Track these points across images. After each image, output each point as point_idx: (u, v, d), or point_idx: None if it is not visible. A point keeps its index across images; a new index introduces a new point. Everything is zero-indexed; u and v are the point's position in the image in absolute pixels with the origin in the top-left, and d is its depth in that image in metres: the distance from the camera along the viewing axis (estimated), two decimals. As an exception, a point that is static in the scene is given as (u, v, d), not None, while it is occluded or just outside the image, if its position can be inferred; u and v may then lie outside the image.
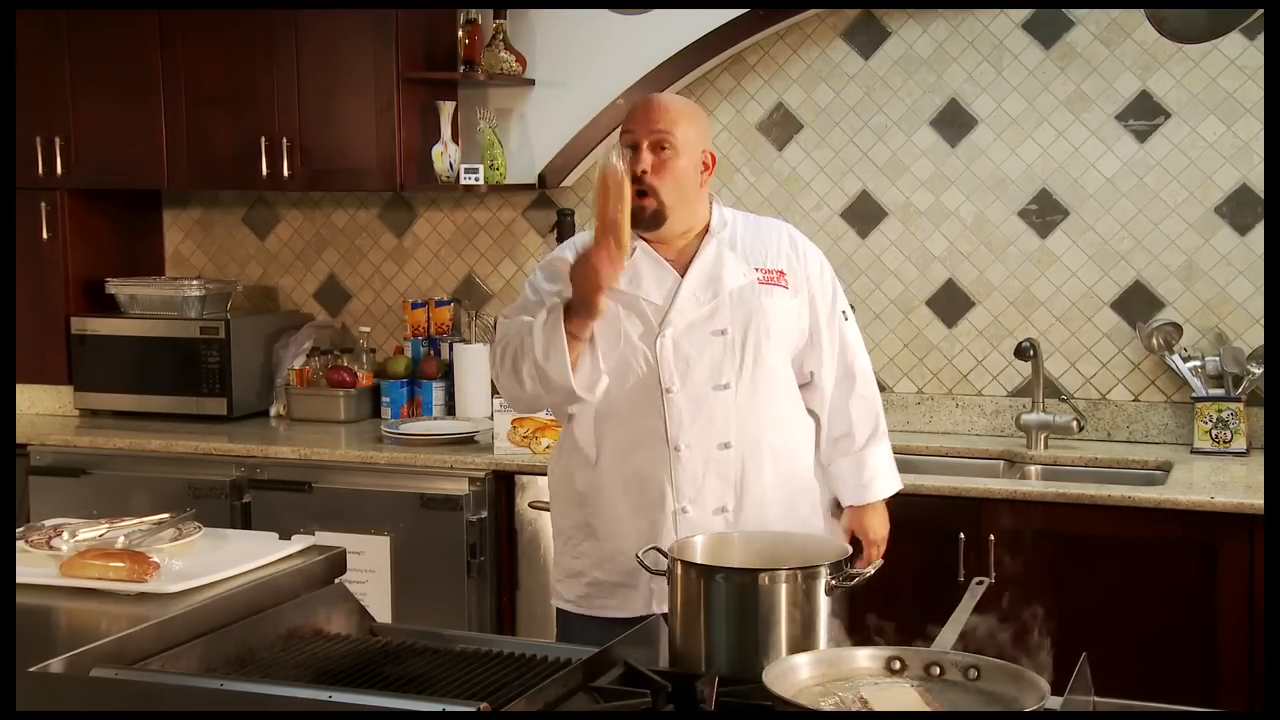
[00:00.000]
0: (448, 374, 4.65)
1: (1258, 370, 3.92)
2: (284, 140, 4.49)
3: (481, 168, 4.44)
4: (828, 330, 2.89)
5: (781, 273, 2.82)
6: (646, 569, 2.25)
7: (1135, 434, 4.12)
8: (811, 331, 2.88)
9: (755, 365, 2.77)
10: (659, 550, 2.21)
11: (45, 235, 4.74)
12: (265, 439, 4.37)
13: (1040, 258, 4.19)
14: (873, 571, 2.17)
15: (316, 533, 3.83)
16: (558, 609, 2.93)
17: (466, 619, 3.98)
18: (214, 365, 4.63)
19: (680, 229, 2.77)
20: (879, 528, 2.98)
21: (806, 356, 2.90)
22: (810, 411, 2.93)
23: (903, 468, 4.02)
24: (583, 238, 2.86)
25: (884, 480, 2.99)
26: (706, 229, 2.81)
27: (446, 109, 4.47)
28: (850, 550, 2.18)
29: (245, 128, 4.54)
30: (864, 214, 4.34)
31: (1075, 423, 4.01)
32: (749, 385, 2.76)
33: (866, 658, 1.91)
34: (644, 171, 2.68)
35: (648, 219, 2.70)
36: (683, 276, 2.77)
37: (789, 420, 2.86)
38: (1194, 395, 3.97)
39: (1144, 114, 4.07)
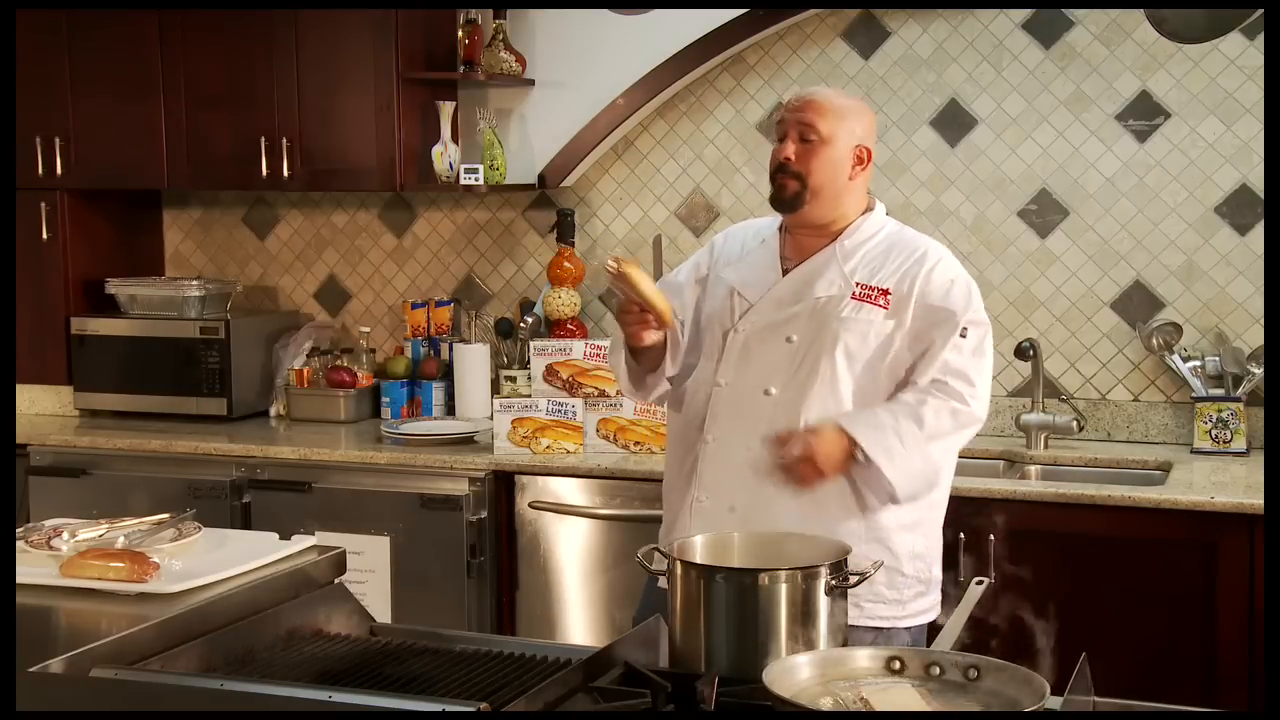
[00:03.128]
0: (448, 374, 4.65)
1: (1258, 370, 3.92)
2: (284, 140, 4.49)
3: (481, 168, 4.44)
4: (930, 349, 2.70)
5: (886, 291, 2.71)
6: (646, 569, 2.25)
7: (1135, 434, 4.12)
8: (915, 359, 2.72)
9: (810, 375, 2.71)
10: (659, 550, 2.21)
11: (45, 235, 4.73)
12: (265, 439, 4.37)
13: (1040, 258, 4.19)
14: (874, 572, 2.17)
15: (316, 533, 3.80)
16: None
17: (466, 619, 3.98)
18: (214, 365, 4.63)
19: (823, 217, 2.76)
20: (816, 443, 2.56)
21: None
22: None
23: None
24: (757, 225, 2.96)
25: (867, 428, 2.59)
26: (839, 233, 2.78)
27: (446, 109, 4.47)
28: (850, 549, 2.17)
29: (245, 128, 4.54)
30: (864, 214, 4.33)
31: (1075, 423, 4.01)
32: (795, 394, 2.71)
33: (866, 658, 1.91)
34: (787, 159, 2.74)
35: (788, 200, 2.75)
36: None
37: None
38: (1194, 395, 3.97)
39: (1144, 114, 4.07)
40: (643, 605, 2.90)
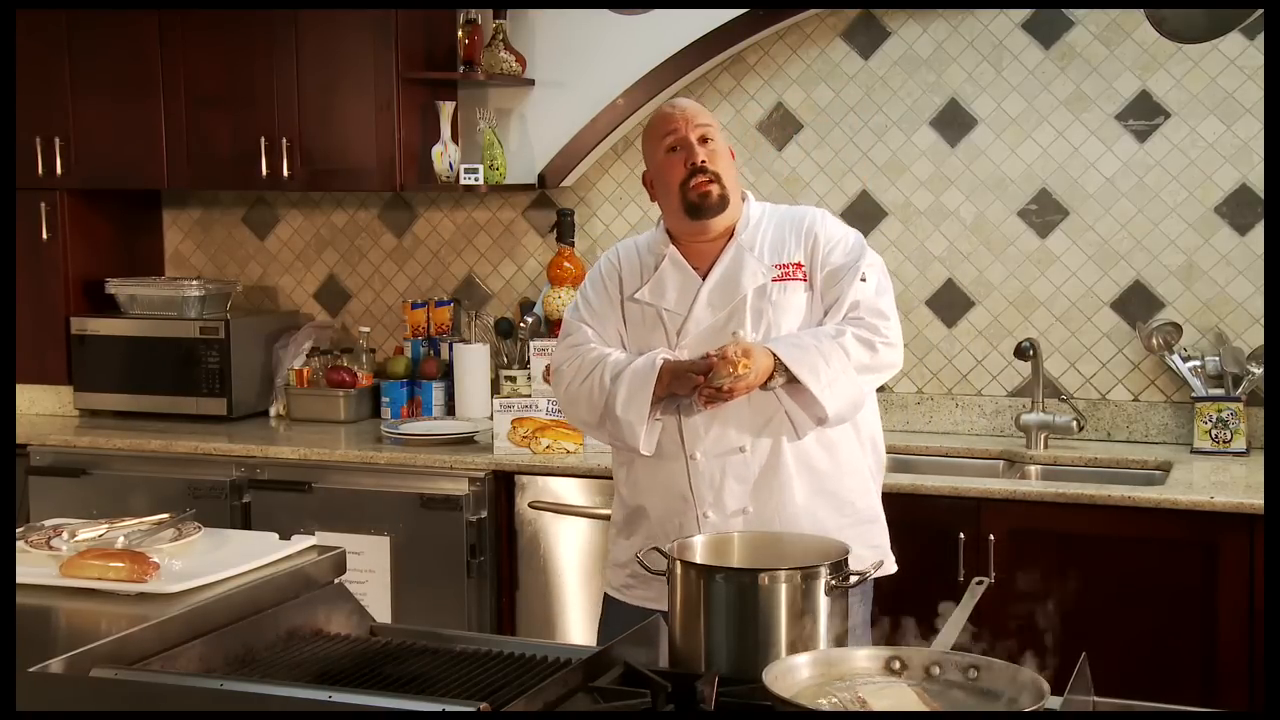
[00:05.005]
0: (447, 374, 4.65)
1: (1257, 370, 3.92)
2: (284, 140, 4.49)
3: (481, 168, 4.44)
4: (838, 300, 2.78)
5: (799, 265, 2.81)
6: (646, 569, 2.25)
7: (1135, 434, 4.12)
8: (823, 299, 2.81)
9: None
10: (659, 550, 2.21)
11: (45, 235, 4.74)
12: (265, 439, 4.37)
13: (1040, 258, 4.19)
14: (874, 573, 2.17)
15: (316, 533, 3.81)
16: (604, 593, 2.98)
17: (466, 619, 3.98)
18: (214, 365, 4.63)
19: (734, 216, 2.83)
20: (748, 355, 2.62)
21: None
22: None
23: (903, 467, 4.06)
24: (640, 243, 2.94)
25: (791, 348, 2.68)
26: (732, 231, 2.84)
27: (446, 109, 4.47)
28: (849, 549, 2.17)
29: (245, 128, 4.54)
30: (864, 214, 4.34)
31: (1075, 423, 4.01)
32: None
33: (866, 658, 1.91)
34: (703, 161, 2.78)
35: (715, 203, 2.79)
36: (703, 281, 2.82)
37: None
38: (1194, 395, 3.97)
39: (1144, 114, 4.07)
40: (604, 626, 2.92)
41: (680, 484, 2.78)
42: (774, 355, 2.67)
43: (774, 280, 2.79)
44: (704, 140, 2.80)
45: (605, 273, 2.92)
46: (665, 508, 2.82)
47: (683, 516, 2.79)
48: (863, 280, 2.78)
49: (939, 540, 3.59)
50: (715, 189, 2.77)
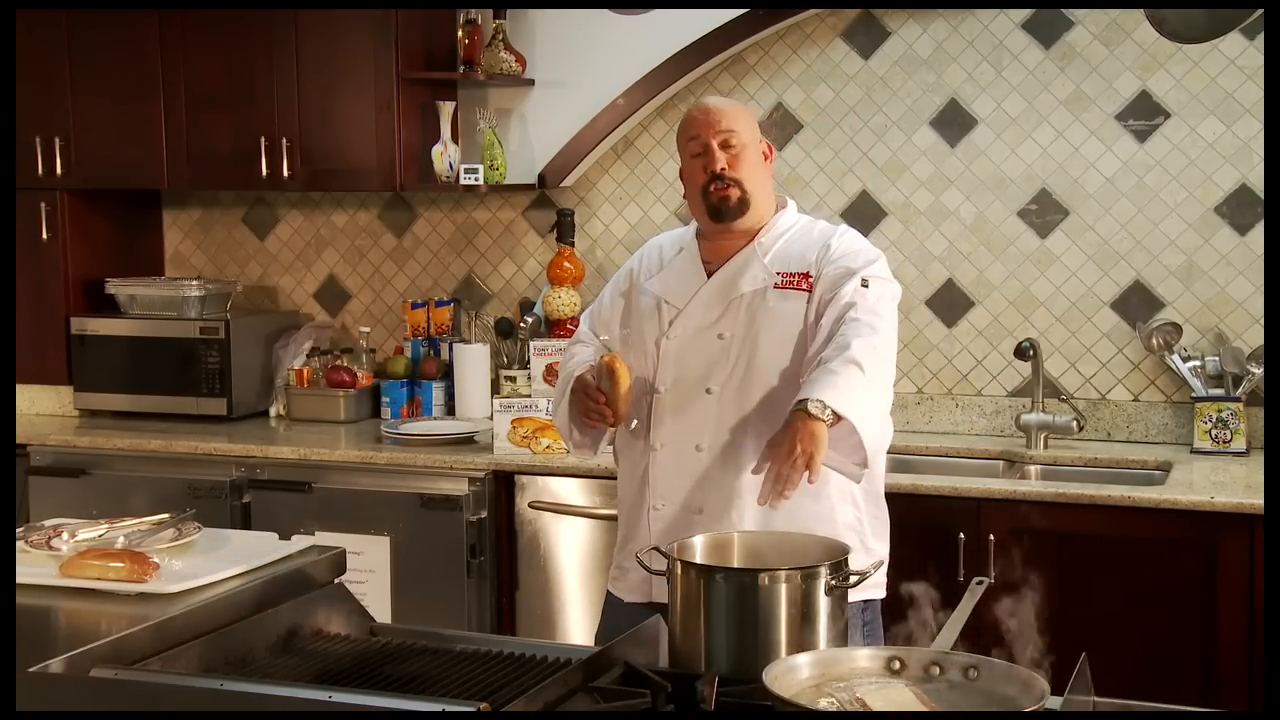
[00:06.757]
0: (447, 374, 4.65)
1: (1258, 370, 3.92)
2: (284, 140, 4.49)
3: (481, 168, 4.44)
4: (834, 299, 2.70)
5: (806, 275, 2.76)
6: (646, 569, 2.25)
7: (1135, 434, 4.12)
8: (820, 314, 2.73)
9: (747, 370, 2.73)
10: (659, 550, 2.21)
11: (45, 235, 4.74)
12: (265, 439, 4.37)
13: (1040, 258, 4.19)
14: (874, 572, 2.17)
15: (316, 533, 3.83)
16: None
17: (466, 619, 3.98)
18: (214, 365, 4.63)
19: (759, 220, 2.81)
20: (788, 437, 2.44)
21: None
22: None
23: (903, 467, 4.06)
24: (670, 236, 2.99)
25: (817, 388, 2.49)
26: (756, 234, 2.83)
27: (446, 109, 4.47)
28: (850, 549, 2.18)
29: (245, 128, 4.54)
30: (864, 214, 4.34)
31: (1075, 423, 4.01)
32: (735, 390, 2.73)
33: (866, 658, 1.91)
34: (722, 169, 2.76)
35: (734, 206, 2.77)
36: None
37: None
38: (1194, 395, 3.97)
39: (1144, 114, 4.07)
40: (604, 625, 2.91)
41: (640, 474, 2.82)
42: (826, 406, 2.45)
43: (775, 287, 2.76)
44: (726, 145, 2.76)
45: (625, 271, 2.98)
46: (632, 499, 2.86)
47: (637, 506, 2.83)
48: (864, 285, 2.68)
49: (939, 540, 3.59)
50: (735, 193, 2.76)
